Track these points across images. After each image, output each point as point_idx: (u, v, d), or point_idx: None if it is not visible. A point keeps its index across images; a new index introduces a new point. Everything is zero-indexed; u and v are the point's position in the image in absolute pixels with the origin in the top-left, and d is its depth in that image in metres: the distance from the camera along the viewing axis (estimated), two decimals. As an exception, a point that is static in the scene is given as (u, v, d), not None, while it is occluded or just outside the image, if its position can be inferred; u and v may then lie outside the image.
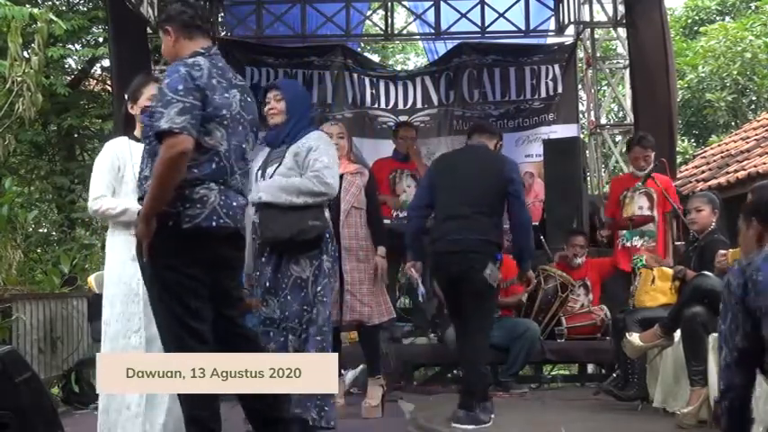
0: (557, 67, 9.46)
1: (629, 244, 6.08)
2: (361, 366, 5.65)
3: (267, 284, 4.14)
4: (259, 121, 3.50)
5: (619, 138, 10.11)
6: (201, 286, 3.23)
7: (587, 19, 9.49)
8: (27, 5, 8.87)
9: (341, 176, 4.92)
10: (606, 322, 6.64)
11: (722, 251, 4.64)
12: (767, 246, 2.93)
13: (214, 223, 3.18)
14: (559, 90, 9.45)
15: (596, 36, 9.63)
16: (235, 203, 3.26)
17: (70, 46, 11.43)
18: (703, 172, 11.02)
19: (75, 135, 11.85)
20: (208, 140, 3.19)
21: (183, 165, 3.08)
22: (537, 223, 7.80)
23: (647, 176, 5.92)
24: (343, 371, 6.24)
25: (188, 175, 3.15)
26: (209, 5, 9.14)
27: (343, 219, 4.95)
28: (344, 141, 5.11)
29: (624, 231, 6.11)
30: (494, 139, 5.11)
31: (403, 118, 8.90)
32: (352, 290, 4.94)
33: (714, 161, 11.26)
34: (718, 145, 12.50)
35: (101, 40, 11.20)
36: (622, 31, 9.07)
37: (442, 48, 10.23)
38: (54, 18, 7.19)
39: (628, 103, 9.18)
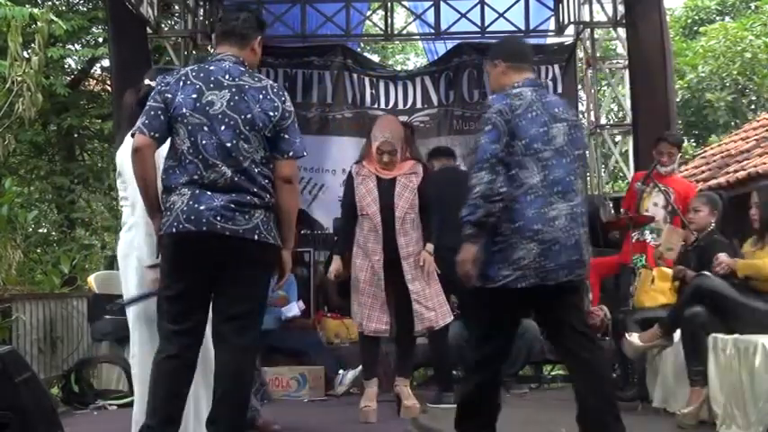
0: (556, 67, 9.44)
1: (642, 238, 6.05)
2: (361, 366, 5.64)
3: None
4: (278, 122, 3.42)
5: (618, 138, 10.11)
6: (183, 290, 3.33)
7: (587, 19, 9.47)
8: (27, 5, 8.89)
9: (394, 179, 4.96)
10: (606, 322, 6.64)
11: (721, 257, 4.64)
12: (516, 82, 3.72)
13: (174, 229, 3.28)
14: (559, 90, 9.43)
15: (596, 36, 9.61)
16: (203, 207, 3.26)
17: (70, 46, 11.44)
18: (703, 172, 11.01)
19: (75, 135, 11.86)
20: (177, 140, 3.35)
21: (140, 162, 3.32)
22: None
23: (646, 177, 5.91)
24: (342, 371, 6.25)
25: (166, 183, 3.35)
26: (209, 6, 9.14)
27: (398, 226, 4.93)
28: (397, 156, 5.05)
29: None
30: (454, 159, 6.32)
31: (403, 118, 8.87)
32: (419, 298, 4.92)
33: (714, 161, 11.25)
34: (718, 145, 12.49)
35: (101, 40, 11.20)
36: (622, 32, 9.06)
37: (441, 48, 10.21)
38: (54, 18, 7.20)
39: (628, 103, 9.17)
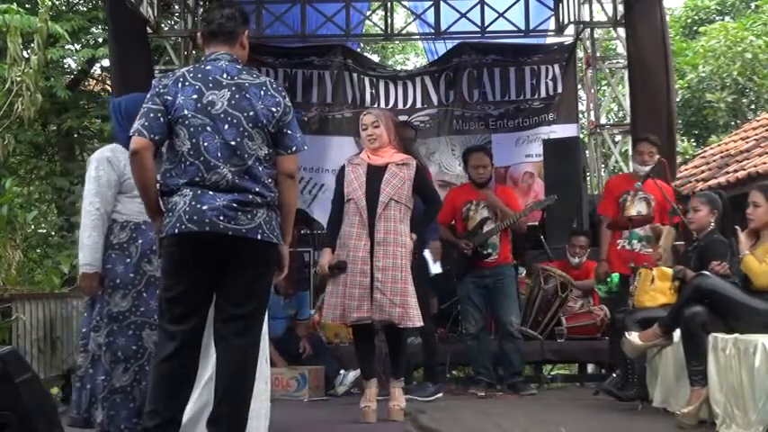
0: (556, 66, 9.45)
1: (629, 246, 6.04)
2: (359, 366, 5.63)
3: (117, 281, 4.04)
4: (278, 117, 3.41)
5: (618, 138, 10.11)
6: (185, 291, 3.32)
7: (587, 19, 9.48)
8: (27, 5, 8.89)
9: (385, 166, 4.90)
10: (606, 322, 6.65)
11: (716, 261, 4.66)
12: None
13: (176, 230, 3.26)
14: (559, 90, 9.45)
15: (596, 36, 9.62)
16: (206, 207, 3.25)
17: (70, 46, 11.43)
18: (703, 172, 11.02)
19: (75, 135, 11.85)
20: (177, 142, 3.32)
21: (139, 164, 3.29)
22: (537, 223, 7.81)
23: (645, 177, 5.91)
24: (342, 371, 6.25)
25: (164, 186, 3.34)
26: (209, 6, 9.14)
27: (380, 211, 4.81)
28: (381, 129, 4.94)
29: (626, 234, 6.09)
30: None
31: (403, 118, 8.89)
32: (383, 288, 4.75)
33: (714, 161, 11.26)
34: (718, 145, 12.50)
35: (100, 40, 11.20)
36: (622, 31, 9.05)
37: (441, 48, 10.23)
38: (58, 30, 7.21)
39: (628, 103, 9.16)
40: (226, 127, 3.31)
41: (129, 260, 4.06)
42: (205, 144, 3.29)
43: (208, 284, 3.36)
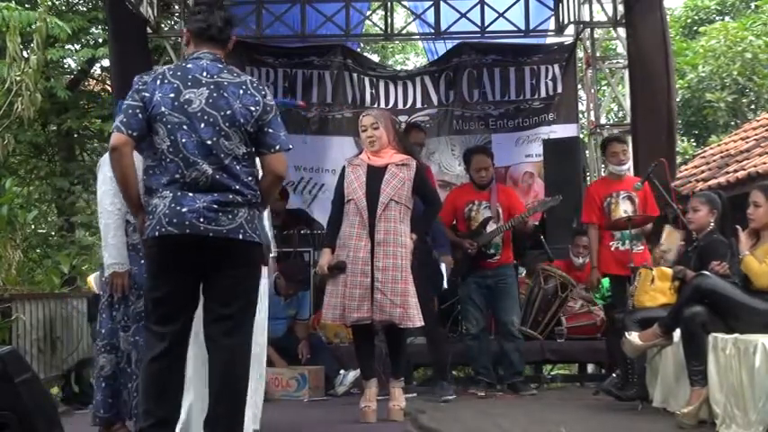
0: (556, 66, 9.44)
1: (623, 248, 6.04)
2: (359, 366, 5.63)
3: (133, 282, 4.16)
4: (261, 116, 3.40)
5: (618, 138, 10.09)
6: (169, 293, 3.34)
7: (587, 19, 9.47)
8: (26, 5, 8.89)
9: (385, 167, 4.91)
10: (606, 322, 6.65)
11: (716, 261, 4.66)
12: None
13: (157, 233, 3.28)
14: (559, 90, 9.44)
15: (596, 36, 9.62)
16: (185, 209, 3.25)
17: (69, 46, 11.43)
18: (703, 172, 11.01)
19: (75, 135, 11.85)
20: (157, 140, 3.33)
21: (117, 160, 3.30)
22: (537, 223, 7.82)
23: (646, 177, 5.90)
24: (342, 371, 6.25)
25: (147, 183, 3.35)
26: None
27: (380, 212, 4.82)
28: (380, 131, 4.95)
29: (618, 235, 6.09)
30: None
31: (403, 118, 8.89)
32: (383, 288, 4.75)
33: (714, 161, 11.25)
34: (718, 145, 12.49)
35: (100, 40, 11.20)
36: (622, 31, 9.04)
37: (441, 48, 10.22)
38: (60, 24, 7.20)
39: (628, 103, 9.15)
40: (202, 126, 3.30)
41: (142, 261, 4.09)
42: (183, 141, 3.29)
43: (193, 285, 3.37)
